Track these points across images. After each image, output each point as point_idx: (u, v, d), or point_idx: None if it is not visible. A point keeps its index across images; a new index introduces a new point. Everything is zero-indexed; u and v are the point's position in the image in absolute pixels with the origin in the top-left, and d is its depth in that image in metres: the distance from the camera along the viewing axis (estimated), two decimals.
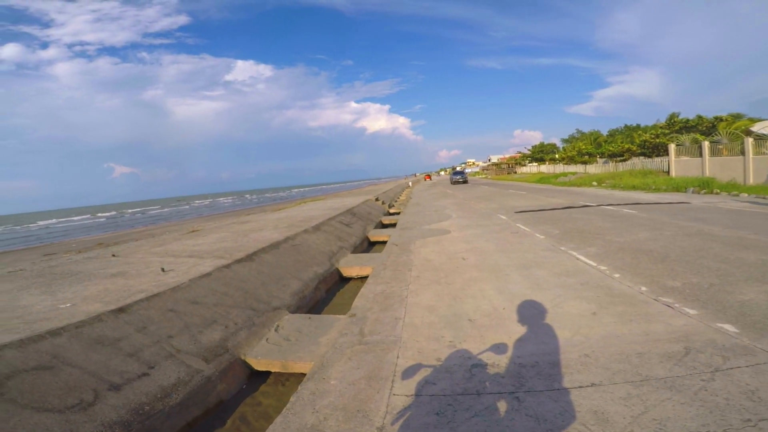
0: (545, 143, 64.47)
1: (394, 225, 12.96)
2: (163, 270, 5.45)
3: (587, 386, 2.79)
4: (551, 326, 3.87)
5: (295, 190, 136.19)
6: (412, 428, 2.50)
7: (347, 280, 7.55)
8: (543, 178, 35.89)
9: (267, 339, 4.40)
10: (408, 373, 3.21)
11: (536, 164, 58.15)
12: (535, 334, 3.74)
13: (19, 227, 49.48)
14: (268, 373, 4.05)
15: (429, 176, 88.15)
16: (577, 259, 6.28)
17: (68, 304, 4.08)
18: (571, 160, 43.02)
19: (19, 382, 2.82)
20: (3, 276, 6.00)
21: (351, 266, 7.65)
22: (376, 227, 12.97)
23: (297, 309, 5.51)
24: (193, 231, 11.03)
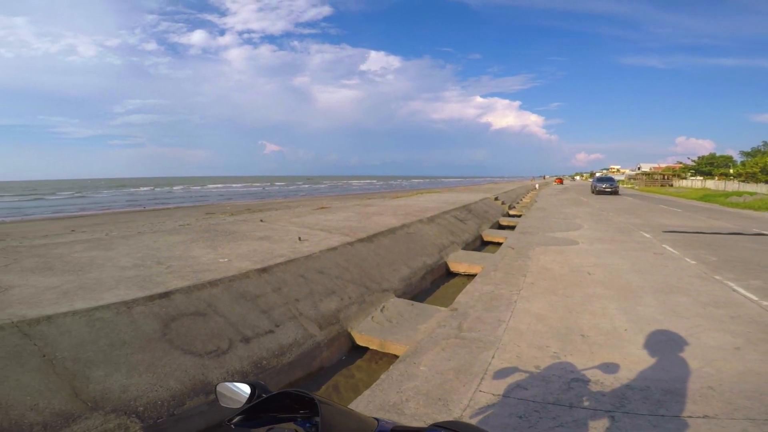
0: (717, 155, 53.37)
1: (512, 227, 12.37)
2: (299, 239, 6.29)
3: (698, 417, 2.51)
4: (678, 354, 3.42)
5: (414, 180, 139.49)
6: (491, 425, 2.51)
7: (453, 275, 7.57)
8: (707, 196, 29.60)
9: (372, 317, 4.73)
10: (500, 374, 3.19)
11: (701, 178, 48.57)
12: (655, 359, 3.35)
13: (198, 187, 61.45)
14: (365, 349, 4.33)
15: (560, 180, 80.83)
16: (734, 290, 5.28)
17: (226, 259, 5.01)
18: (750, 178, 34.81)
19: (179, 324, 3.41)
20: (177, 228, 7.57)
21: (460, 262, 7.64)
22: (491, 227, 12.57)
23: (402, 294, 5.77)
24: (322, 207, 12.32)
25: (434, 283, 6.99)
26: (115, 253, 5.07)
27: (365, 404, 2.86)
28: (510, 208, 18.46)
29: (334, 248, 5.91)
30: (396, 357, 3.91)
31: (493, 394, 2.89)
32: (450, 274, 7.59)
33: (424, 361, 3.47)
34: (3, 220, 18.56)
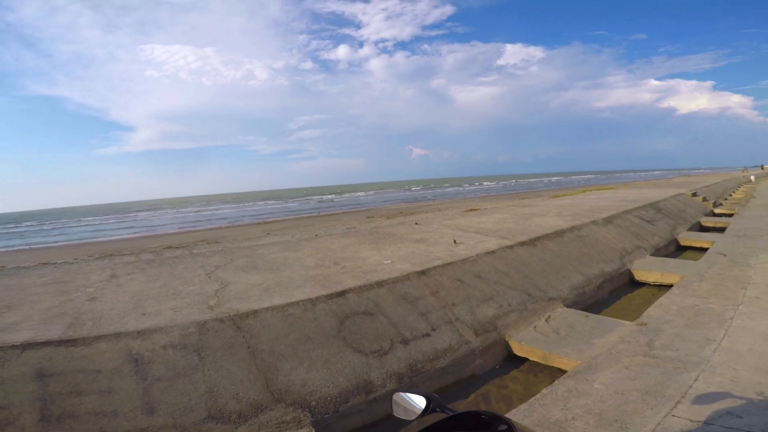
0: None
1: (721, 229, 9.71)
2: (455, 242, 6.20)
3: None
4: None
5: (575, 176, 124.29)
6: None
7: (639, 285, 6.31)
8: None
9: (535, 327, 4.27)
10: (705, 398, 2.61)
11: None
12: None
13: (361, 194, 68.31)
14: (523, 360, 3.96)
15: None
16: None
17: (389, 261, 5.25)
18: None
19: (351, 322, 3.59)
20: (346, 232, 8.33)
21: (648, 270, 6.31)
22: (690, 229, 10.11)
23: (573, 304, 5.07)
24: (472, 209, 11.99)
25: (613, 294, 5.95)
26: (302, 254, 5.90)
27: (520, 418, 2.57)
28: (715, 205, 14.58)
29: (492, 252, 5.60)
30: (561, 371, 3.48)
31: (691, 420, 2.37)
32: (634, 284, 6.35)
33: (600, 379, 2.98)
34: (220, 225, 24.14)
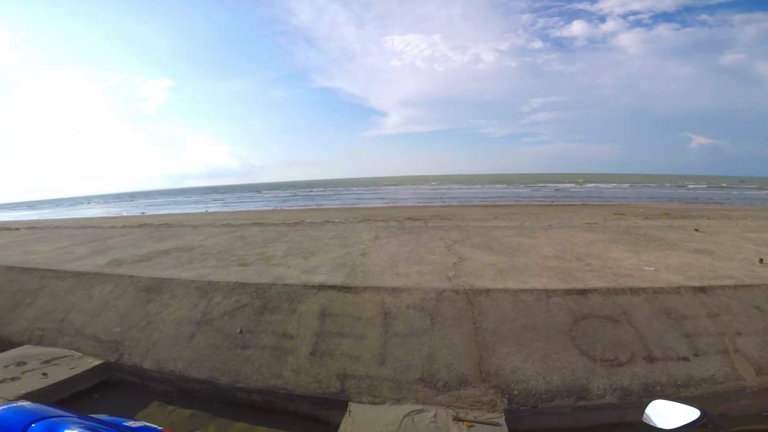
0: None
1: None
2: (761, 261, 4.48)
3: None
4: None
5: None
6: None
7: None
8: None
9: None
10: None
11: None
12: None
13: (609, 185, 59.10)
14: None
15: None
16: None
17: (651, 268, 4.28)
18: None
19: (587, 323, 3.19)
20: (587, 226, 7.27)
21: None
22: None
23: None
24: None
25: None
26: (538, 242, 5.59)
27: None
28: None
29: None
30: None
31: None
32: None
33: None
34: (450, 203, 25.74)
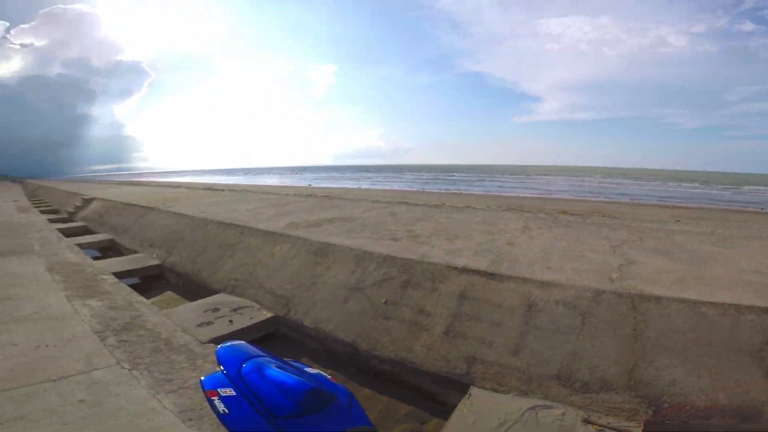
0: None
1: None
2: None
3: None
4: None
5: None
6: None
7: None
8: None
9: None
10: None
11: None
12: None
13: None
14: None
15: None
16: None
17: None
18: None
19: None
20: None
21: None
22: None
23: None
24: None
25: None
26: (735, 253, 4.47)
27: None
28: None
29: None
30: None
31: None
32: None
33: None
34: (618, 200, 22.18)
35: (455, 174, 64.51)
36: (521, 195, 24.39)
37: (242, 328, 3.97)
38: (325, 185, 29.98)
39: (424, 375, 3.15)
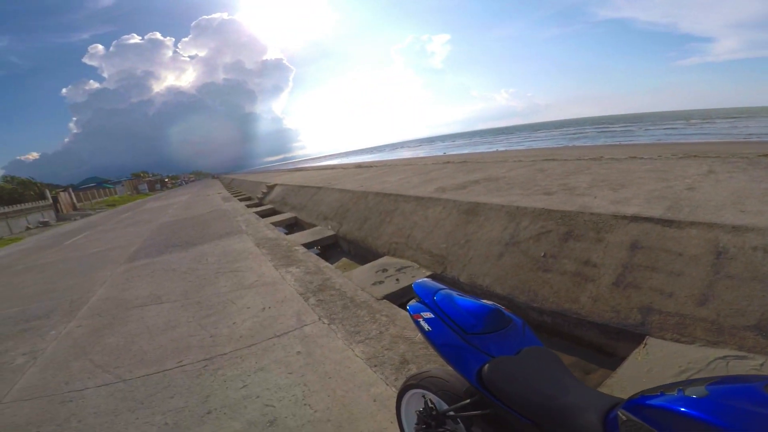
0: None
1: None
2: None
3: None
4: None
5: None
6: None
7: None
8: None
9: None
10: None
11: None
12: None
13: None
14: None
15: None
16: None
17: None
18: None
19: None
20: None
21: None
22: None
23: None
24: None
25: None
26: None
27: None
28: None
29: None
30: None
31: None
32: None
33: None
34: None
35: (607, 125, 55.69)
36: (700, 141, 19.87)
37: (407, 286, 4.44)
38: (460, 152, 29.70)
39: (590, 326, 3.15)
